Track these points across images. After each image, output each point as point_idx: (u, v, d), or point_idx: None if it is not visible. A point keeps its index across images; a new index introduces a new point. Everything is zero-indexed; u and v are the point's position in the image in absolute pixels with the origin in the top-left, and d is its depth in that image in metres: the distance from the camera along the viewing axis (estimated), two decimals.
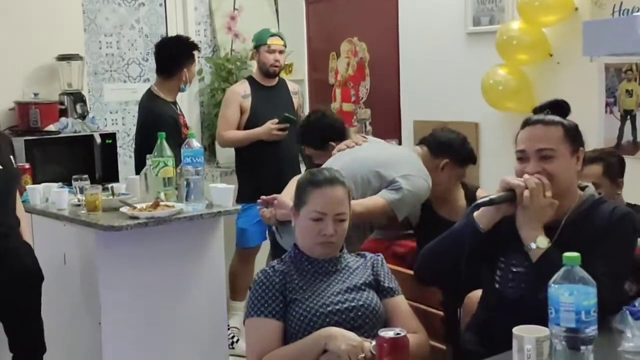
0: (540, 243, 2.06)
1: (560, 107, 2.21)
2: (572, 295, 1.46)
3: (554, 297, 1.48)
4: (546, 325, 1.77)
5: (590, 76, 3.90)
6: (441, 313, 2.27)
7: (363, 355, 1.83)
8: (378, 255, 2.27)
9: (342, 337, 1.93)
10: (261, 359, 2.04)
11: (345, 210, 2.19)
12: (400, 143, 5.12)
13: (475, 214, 2.12)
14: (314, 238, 2.16)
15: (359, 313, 2.09)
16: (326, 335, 1.97)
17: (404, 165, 3.06)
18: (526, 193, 2.05)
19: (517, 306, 2.15)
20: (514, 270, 2.18)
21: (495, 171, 4.34)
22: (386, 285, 2.19)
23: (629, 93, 3.75)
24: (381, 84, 5.25)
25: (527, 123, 2.19)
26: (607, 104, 3.79)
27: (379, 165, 3.03)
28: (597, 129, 3.82)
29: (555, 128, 2.13)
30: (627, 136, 3.77)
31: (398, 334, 1.52)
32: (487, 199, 2.08)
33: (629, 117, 3.76)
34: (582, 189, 2.23)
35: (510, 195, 2.09)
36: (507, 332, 2.15)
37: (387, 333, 1.53)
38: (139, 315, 3.27)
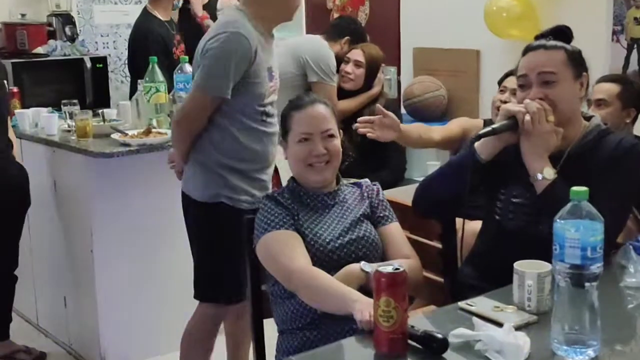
0: (547, 174, 1.99)
1: (563, 33, 2.11)
2: (578, 231, 1.39)
3: (559, 233, 1.42)
4: (547, 258, 1.74)
5: (597, 2, 3.77)
6: (439, 246, 2.22)
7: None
8: (374, 185, 2.20)
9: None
10: (301, 268, 1.94)
11: (331, 127, 2.10)
12: (399, 71, 5.02)
13: (476, 144, 2.04)
14: (305, 160, 2.08)
15: (359, 245, 2.03)
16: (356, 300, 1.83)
17: None
18: (527, 118, 1.97)
19: (517, 238, 2.10)
20: (515, 201, 2.12)
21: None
22: (381, 213, 2.13)
23: (637, 21, 3.63)
24: (381, 9, 5.09)
25: (528, 49, 2.10)
26: (614, 32, 3.67)
27: None
28: (604, 58, 3.71)
29: (557, 52, 2.04)
30: (633, 65, 3.67)
31: (397, 269, 1.46)
32: (489, 128, 2.00)
33: (635, 45, 3.65)
34: (588, 119, 2.15)
35: (512, 123, 2.00)
36: (506, 265, 2.10)
37: (386, 268, 1.47)
38: (132, 243, 3.24)
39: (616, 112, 2.83)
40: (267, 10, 2.55)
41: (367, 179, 2.23)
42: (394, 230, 2.13)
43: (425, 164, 4.33)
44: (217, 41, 2.45)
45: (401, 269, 1.47)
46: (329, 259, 2.02)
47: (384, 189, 2.23)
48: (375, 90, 3.73)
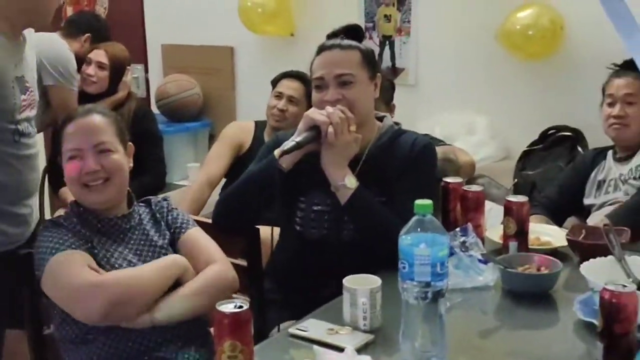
0: (348, 183, 1.96)
1: (355, 32, 2.10)
2: (428, 247, 1.34)
3: (407, 250, 1.35)
4: (349, 266, 1.69)
5: (350, 0, 3.85)
6: (244, 263, 2.08)
7: None
8: (165, 200, 1.98)
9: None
10: (107, 276, 1.71)
11: (106, 139, 1.82)
12: (147, 69, 4.75)
13: (276, 152, 1.93)
14: (78, 180, 1.79)
15: None
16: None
17: None
18: (330, 129, 1.91)
19: (319, 247, 2.05)
20: (316, 209, 2.06)
21: (252, 97, 4.20)
22: (177, 224, 1.91)
23: (387, 18, 3.77)
24: (121, 3, 4.76)
25: (323, 48, 2.05)
26: (366, 29, 3.76)
27: None
28: None
29: (353, 52, 2.02)
30: (387, 61, 3.81)
31: (240, 306, 1.30)
32: (293, 143, 1.90)
33: (387, 42, 3.79)
34: (380, 119, 2.15)
35: (315, 134, 1.94)
36: (309, 275, 2.05)
37: (227, 307, 1.30)
38: None
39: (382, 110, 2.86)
40: (9, 8, 2.10)
41: (153, 197, 2.01)
42: (196, 235, 1.92)
43: (186, 167, 4.15)
44: None
45: (244, 307, 1.31)
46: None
47: (145, 194, 2.01)
48: (121, 94, 3.43)
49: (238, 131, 3.20)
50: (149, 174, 3.38)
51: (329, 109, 1.95)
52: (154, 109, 4.26)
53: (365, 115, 2.05)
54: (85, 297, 1.66)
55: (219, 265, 1.85)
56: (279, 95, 3.11)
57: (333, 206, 2.02)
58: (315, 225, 2.06)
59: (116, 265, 1.78)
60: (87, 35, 3.54)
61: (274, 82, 3.18)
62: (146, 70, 4.73)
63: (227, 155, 3.12)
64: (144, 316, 1.71)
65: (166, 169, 3.61)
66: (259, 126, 3.21)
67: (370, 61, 2.06)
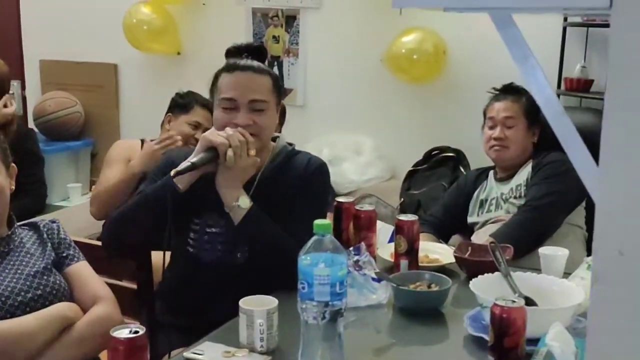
0: (242, 203, 1.93)
1: (260, 52, 2.07)
2: (328, 267, 1.34)
3: (306, 270, 1.35)
4: (247, 287, 1.67)
5: (238, 20, 3.85)
6: (134, 286, 2.01)
7: None
8: (53, 222, 1.89)
9: None
10: None
11: None
12: (24, 86, 4.55)
13: (172, 172, 1.88)
14: None
15: (46, 302, 1.72)
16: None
17: None
18: (230, 153, 1.88)
19: (213, 269, 2.01)
20: (209, 231, 2.02)
21: (136, 116, 4.11)
22: (64, 253, 1.83)
23: (276, 39, 3.79)
24: None
25: (235, 67, 1.98)
26: None
27: None
28: None
29: (265, 78, 1.98)
30: None
31: (136, 331, 1.25)
32: (188, 163, 1.85)
33: (276, 63, 3.81)
34: (274, 139, 2.15)
35: (213, 156, 1.89)
36: (203, 298, 2.01)
37: (121, 332, 1.25)
38: None
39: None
40: None
41: (43, 219, 1.92)
42: (82, 270, 1.85)
43: (66, 187, 4.01)
44: None
45: (140, 332, 1.27)
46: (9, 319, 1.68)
47: (26, 217, 1.93)
48: (9, 110, 3.27)
49: (125, 150, 3.08)
50: (29, 196, 3.22)
51: (229, 130, 1.91)
52: (32, 126, 4.08)
53: (266, 140, 2.04)
54: None
55: (104, 306, 1.80)
56: (198, 126, 2.94)
57: (227, 228, 1.99)
58: (209, 248, 2.03)
59: None
60: None
61: (184, 105, 2.98)
62: (23, 87, 4.54)
63: (119, 173, 2.97)
64: None
65: (47, 191, 3.47)
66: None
67: (279, 87, 2.04)
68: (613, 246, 0.91)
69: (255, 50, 2.04)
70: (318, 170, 2.08)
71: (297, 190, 2.02)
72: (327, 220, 1.38)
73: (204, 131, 2.88)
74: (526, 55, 0.99)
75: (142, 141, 3.15)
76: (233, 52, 2.04)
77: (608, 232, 0.93)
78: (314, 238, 1.38)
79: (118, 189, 2.81)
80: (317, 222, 1.38)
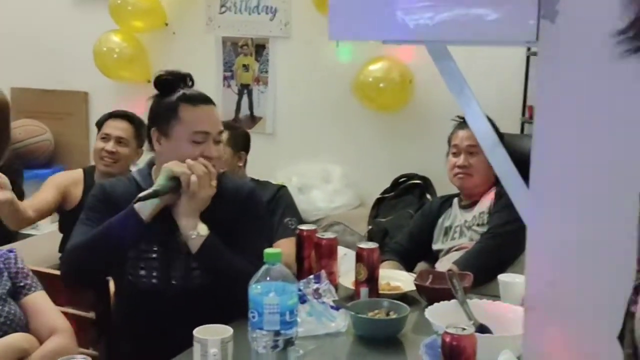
0: (202, 231, 1.94)
1: (192, 81, 2.09)
2: (278, 295, 1.35)
3: (257, 299, 1.35)
4: (188, 314, 1.67)
5: (208, 49, 3.88)
6: (92, 315, 2.00)
7: None
8: (10, 252, 1.88)
9: None
10: None
11: None
12: None
13: (137, 205, 1.89)
14: None
15: (1, 332, 1.70)
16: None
17: None
18: (194, 179, 1.89)
19: (152, 297, 1.99)
20: (145, 257, 2.00)
21: None
22: (21, 283, 1.82)
23: (246, 68, 3.81)
24: None
25: (199, 100, 2.00)
26: (225, 78, 3.80)
27: None
28: (216, 103, 3.80)
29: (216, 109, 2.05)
30: (245, 110, 3.84)
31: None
32: (150, 190, 1.87)
33: (245, 91, 3.83)
34: None
35: (175, 185, 1.91)
36: (153, 327, 1.99)
37: None
38: None
39: (228, 158, 2.84)
40: None
41: (0, 248, 1.90)
42: (39, 300, 1.84)
43: None
44: None
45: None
46: None
47: None
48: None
49: (67, 180, 2.98)
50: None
51: (190, 161, 1.93)
52: None
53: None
54: None
55: (61, 337, 1.78)
56: (106, 137, 2.93)
57: (161, 254, 1.98)
58: (146, 275, 2.00)
59: None
60: None
61: (99, 124, 3.01)
62: None
63: (52, 194, 2.89)
64: None
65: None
66: (88, 172, 3.03)
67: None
68: (544, 277, 0.94)
69: (186, 78, 2.05)
70: (250, 197, 2.10)
71: (237, 214, 2.03)
72: (278, 249, 1.39)
73: (116, 142, 2.91)
74: (462, 87, 1.01)
75: (84, 170, 3.08)
76: (177, 80, 2.04)
77: (541, 261, 0.95)
78: (264, 267, 1.38)
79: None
80: (267, 251, 1.39)
